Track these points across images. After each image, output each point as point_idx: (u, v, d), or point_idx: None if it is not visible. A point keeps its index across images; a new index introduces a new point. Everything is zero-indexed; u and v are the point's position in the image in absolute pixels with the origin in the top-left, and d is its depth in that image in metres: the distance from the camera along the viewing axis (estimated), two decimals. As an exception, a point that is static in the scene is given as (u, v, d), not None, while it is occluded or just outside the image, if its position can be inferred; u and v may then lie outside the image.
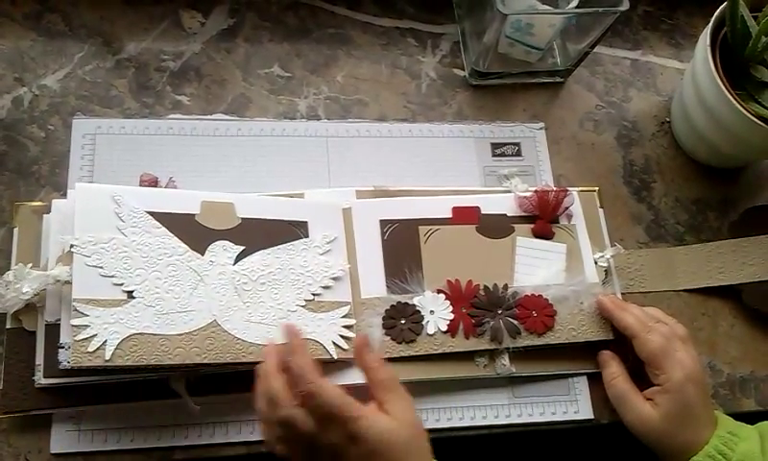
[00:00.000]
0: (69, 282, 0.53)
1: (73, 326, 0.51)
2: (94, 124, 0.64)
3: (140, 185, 0.61)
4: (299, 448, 0.48)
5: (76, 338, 0.50)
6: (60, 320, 0.53)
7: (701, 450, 0.55)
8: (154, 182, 0.62)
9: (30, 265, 0.55)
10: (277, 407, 0.47)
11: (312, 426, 0.47)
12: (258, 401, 0.49)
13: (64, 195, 0.61)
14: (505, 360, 0.61)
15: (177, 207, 0.58)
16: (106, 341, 0.51)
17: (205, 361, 0.53)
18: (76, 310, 0.51)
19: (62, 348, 0.52)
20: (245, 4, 0.73)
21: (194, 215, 0.58)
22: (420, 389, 0.60)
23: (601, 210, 0.70)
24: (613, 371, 0.61)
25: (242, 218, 0.59)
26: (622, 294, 0.67)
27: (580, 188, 0.70)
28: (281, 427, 0.48)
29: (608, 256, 0.66)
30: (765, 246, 0.70)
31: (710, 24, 0.66)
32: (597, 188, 0.71)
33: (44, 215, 0.57)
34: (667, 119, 0.77)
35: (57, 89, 0.65)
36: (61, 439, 0.54)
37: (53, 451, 0.54)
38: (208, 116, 0.67)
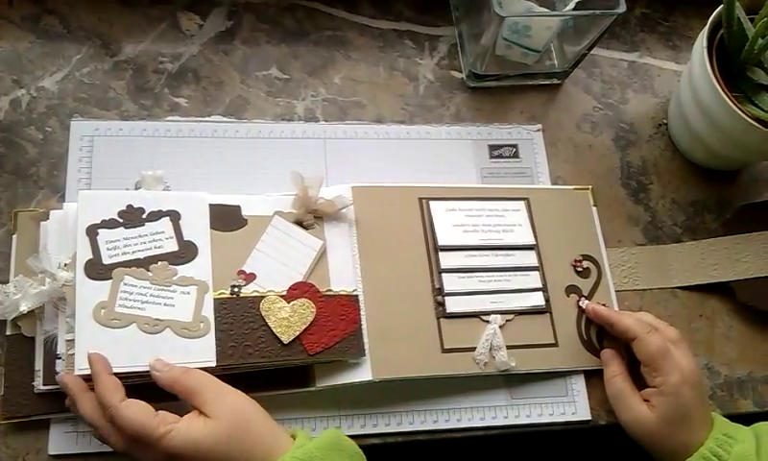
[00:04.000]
0: (64, 299, 0.53)
1: (67, 341, 0.52)
2: (92, 126, 0.64)
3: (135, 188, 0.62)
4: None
5: (70, 352, 0.51)
6: (57, 328, 0.54)
7: (696, 452, 0.55)
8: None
9: (30, 283, 0.55)
10: (94, 427, 0.49)
11: (122, 446, 0.47)
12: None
13: (62, 197, 0.61)
14: (504, 355, 0.61)
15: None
16: None
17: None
18: (69, 325, 0.52)
19: (59, 358, 0.52)
20: (242, 6, 0.73)
21: None
22: (417, 391, 0.60)
23: (594, 209, 0.70)
24: (614, 369, 0.61)
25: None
26: (616, 292, 0.67)
27: (573, 187, 0.71)
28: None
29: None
30: (758, 243, 0.70)
31: (707, 26, 0.66)
32: (590, 187, 0.71)
33: (42, 222, 0.57)
34: (664, 121, 0.77)
35: (54, 91, 0.66)
36: (59, 440, 0.54)
37: (51, 453, 0.54)
38: (206, 118, 0.67)
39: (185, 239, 0.56)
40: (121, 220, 0.55)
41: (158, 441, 0.46)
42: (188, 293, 0.54)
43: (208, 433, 0.47)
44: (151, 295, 0.53)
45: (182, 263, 0.55)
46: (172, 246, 0.56)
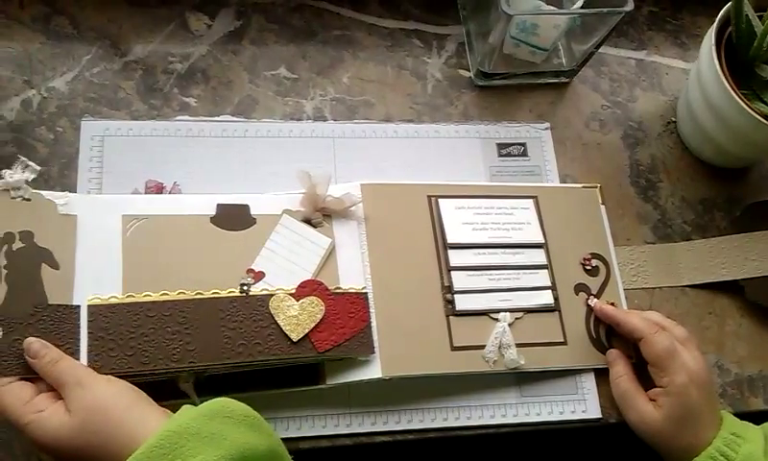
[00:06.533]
0: None
1: None
2: (102, 126, 0.64)
3: (146, 192, 0.62)
4: None
5: None
6: None
7: (703, 452, 0.55)
8: (159, 189, 0.62)
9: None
10: None
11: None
12: None
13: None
14: (513, 353, 0.61)
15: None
16: None
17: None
18: None
19: None
20: (251, 6, 0.74)
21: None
22: (427, 389, 0.60)
23: (603, 207, 0.70)
24: (619, 370, 0.61)
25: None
26: (625, 290, 0.67)
27: (582, 185, 0.71)
28: None
29: None
30: (767, 241, 0.70)
31: (715, 24, 0.66)
32: (599, 185, 0.71)
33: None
34: (673, 119, 0.77)
35: (65, 91, 0.66)
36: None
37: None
38: (215, 118, 0.67)
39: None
40: None
41: (23, 429, 0.45)
42: None
43: (62, 425, 0.46)
44: None
45: None
46: None
